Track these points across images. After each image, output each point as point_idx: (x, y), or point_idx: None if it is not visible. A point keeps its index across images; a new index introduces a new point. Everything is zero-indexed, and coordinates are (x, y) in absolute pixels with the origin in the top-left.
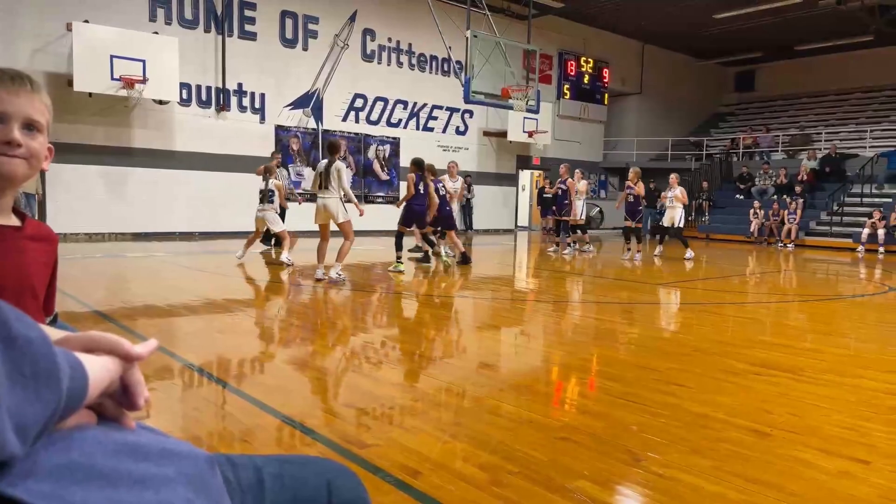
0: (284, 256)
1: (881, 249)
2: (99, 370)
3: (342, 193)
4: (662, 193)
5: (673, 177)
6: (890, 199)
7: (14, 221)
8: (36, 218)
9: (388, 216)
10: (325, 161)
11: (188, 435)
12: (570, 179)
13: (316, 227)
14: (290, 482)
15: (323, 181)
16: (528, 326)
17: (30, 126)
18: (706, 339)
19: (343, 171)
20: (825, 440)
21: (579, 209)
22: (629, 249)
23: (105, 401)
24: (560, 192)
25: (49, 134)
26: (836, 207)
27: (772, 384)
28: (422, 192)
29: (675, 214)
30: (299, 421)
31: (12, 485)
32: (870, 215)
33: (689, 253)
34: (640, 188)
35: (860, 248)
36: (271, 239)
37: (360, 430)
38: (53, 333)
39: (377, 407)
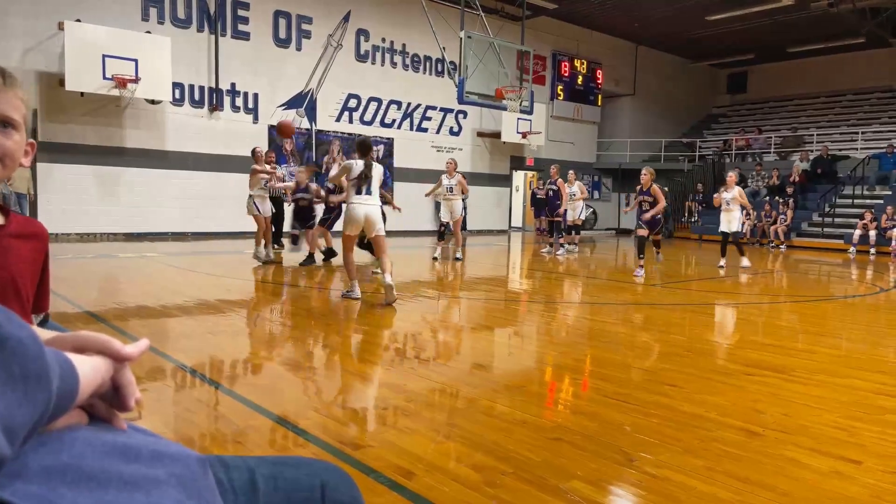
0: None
1: (872, 251)
2: (90, 370)
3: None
4: (716, 195)
5: (731, 175)
6: (881, 201)
7: None
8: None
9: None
10: (363, 162)
11: (180, 436)
12: (560, 180)
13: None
14: (284, 484)
15: (365, 185)
16: (521, 327)
17: (4, 123)
18: (698, 339)
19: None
20: (816, 440)
21: (578, 210)
22: (642, 266)
23: (96, 401)
24: (551, 192)
25: (28, 129)
26: (827, 209)
27: (763, 384)
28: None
29: (732, 218)
30: (292, 422)
31: (1, 486)
32: (861, 217)
33: (745, 261)
34: (658, 194)
35: (851, 249)
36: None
37: (353, 430)
38: (44, 333)
39: (370, 408)
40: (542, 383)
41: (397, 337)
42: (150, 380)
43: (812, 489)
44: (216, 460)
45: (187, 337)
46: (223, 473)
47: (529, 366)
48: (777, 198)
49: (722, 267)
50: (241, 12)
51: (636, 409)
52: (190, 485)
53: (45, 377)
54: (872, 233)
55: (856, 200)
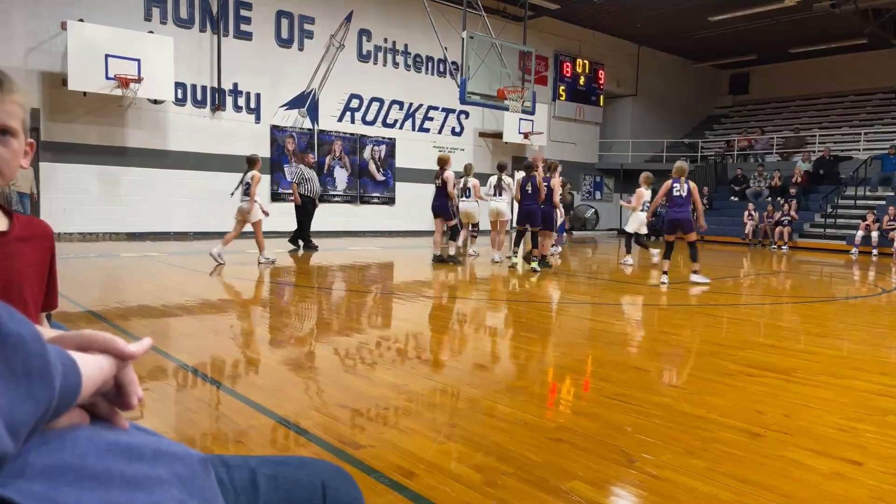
0: (262, 257)
1: (874, 252)
2: (92, 368)
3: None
4: None
5: None
6: (883, 202)
7: (0, 225)
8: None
9: (383, 217)
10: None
11: (182, 436)
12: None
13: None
14: (285, 483)
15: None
16: (521, 327)
17: (2, 131)
18: (699, 340)
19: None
20: (818, 441)
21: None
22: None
23: (98, 400)
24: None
25: (27, 130)
26: (829, 210)
27: (764, 385)
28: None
29: None
30: (294, 422)
31: (3, 485)
32: (863, 217)
33: None
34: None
35: (854, 250)
36: (296, 240)
37: (354, 430)
38: (47, 332)
39: (372, 408)
40: (543, 384)
41: (398, 336)
42: (152, 379)
43: (813, 490)
44: (218, 460)
45: (189, 336)
46: (225, 473)
47: (530, 366)
48: (779, 199)
49: None
50: (243, 12)
51: (637, 409)
52: (192, 484)
53: (48, 374)
54: (874, 234)
55: (858, 201)
